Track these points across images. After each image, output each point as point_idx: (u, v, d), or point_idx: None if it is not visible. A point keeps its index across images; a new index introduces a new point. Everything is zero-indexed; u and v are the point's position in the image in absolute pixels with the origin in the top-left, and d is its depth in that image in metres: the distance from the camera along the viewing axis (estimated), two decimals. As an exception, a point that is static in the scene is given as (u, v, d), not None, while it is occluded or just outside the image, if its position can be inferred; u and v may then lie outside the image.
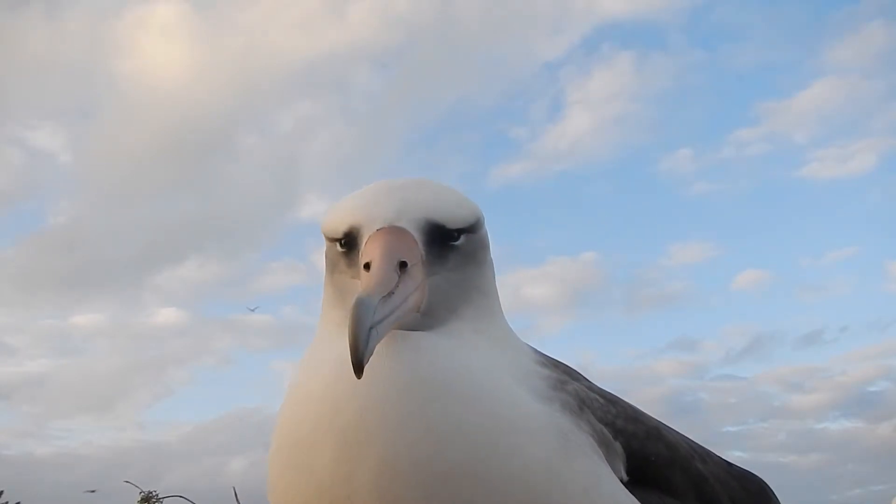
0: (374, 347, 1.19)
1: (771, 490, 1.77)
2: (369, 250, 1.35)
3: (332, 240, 1.50)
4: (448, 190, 1.51)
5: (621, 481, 1.42)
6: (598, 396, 1.51)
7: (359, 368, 1.17)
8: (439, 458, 1.26)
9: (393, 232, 1.37)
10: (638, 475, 1.47)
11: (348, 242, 1.46)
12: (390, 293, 1.26)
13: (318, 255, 1.62)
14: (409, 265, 1.32)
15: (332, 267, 1.53)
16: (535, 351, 1.58)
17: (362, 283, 1.30)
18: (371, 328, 1.19)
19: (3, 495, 4.75)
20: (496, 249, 1.61)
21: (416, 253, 1.36)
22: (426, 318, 1.39)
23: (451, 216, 1.44)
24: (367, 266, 1.33)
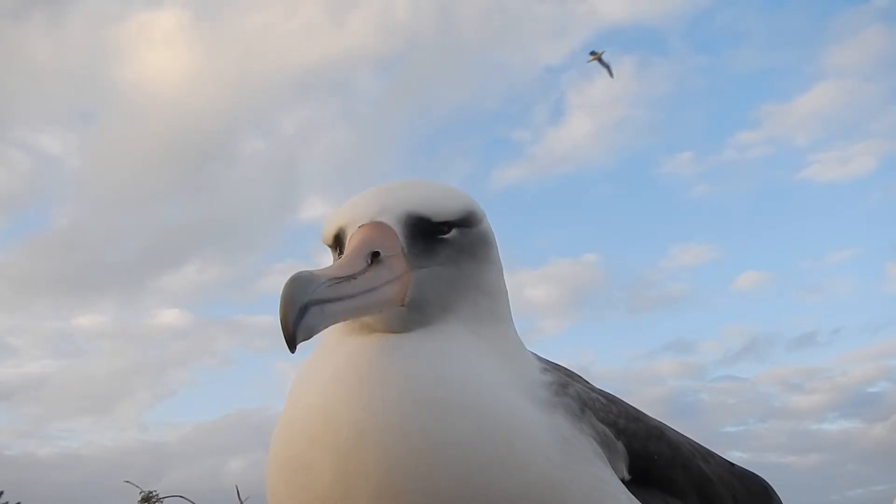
0: (317, 326, 1.21)
1: (773, 490, 1.77)
2: (347, 245, 1.39)
3: (329, 246, 1.52)
4: (437, 185, 1.51)
5: (623, 481, 1.42)
6: (599, 397, 1.52)
7: (291, 343, 1.19)
8: (439, 473, 1.25)
9: (371, 226, 1.39)
10: (640, 474, 1.47)
11: (339, 246, 1.47)
12: (350, 277, 1.28)
13: (319, 257, 1.62)
14: (383, 255, 1.34)
15: None
16: (537, 357, 1.57)
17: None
18: (308, 305, 1.20)
19: (3, 495, 4.75)
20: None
21: (393, 244, 1.37)
22: (414, 314, 1.38)
23: (436, 208, 1.44)
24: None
